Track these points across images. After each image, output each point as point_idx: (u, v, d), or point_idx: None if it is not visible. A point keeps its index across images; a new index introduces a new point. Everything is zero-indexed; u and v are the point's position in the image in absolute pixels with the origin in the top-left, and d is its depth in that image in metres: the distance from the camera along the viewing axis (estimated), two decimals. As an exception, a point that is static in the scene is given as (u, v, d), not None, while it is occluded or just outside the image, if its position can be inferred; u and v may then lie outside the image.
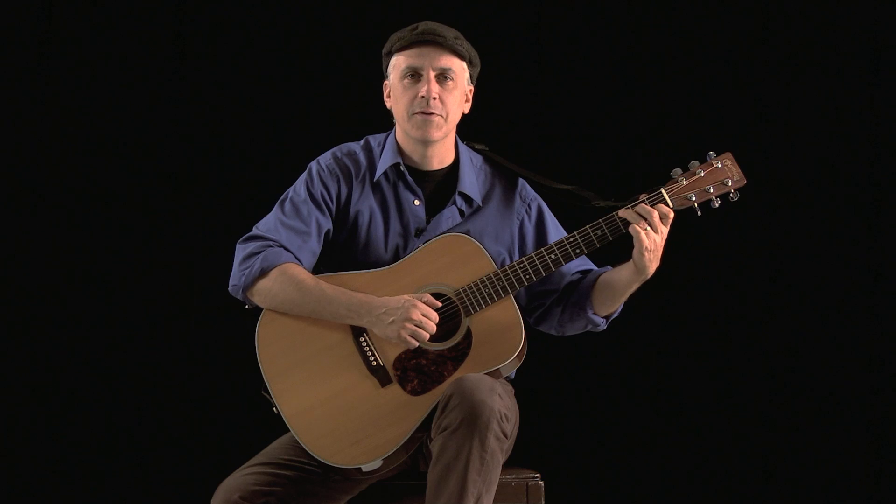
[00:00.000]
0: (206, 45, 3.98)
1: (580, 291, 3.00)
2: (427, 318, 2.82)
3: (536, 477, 2.97)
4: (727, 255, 4.04)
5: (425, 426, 2.81)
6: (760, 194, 3.89)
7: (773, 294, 4.04)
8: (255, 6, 3.98)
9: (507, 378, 3.00)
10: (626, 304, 3.01)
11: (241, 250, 2.94)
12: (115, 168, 3.98)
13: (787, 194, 4.00)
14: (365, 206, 2.99)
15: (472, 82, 3.01)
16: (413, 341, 2.81)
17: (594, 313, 2.99)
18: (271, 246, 2.92)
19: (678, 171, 2.87)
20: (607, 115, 4.03)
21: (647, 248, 2.81)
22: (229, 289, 2.96)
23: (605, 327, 3.04)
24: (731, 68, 4.01)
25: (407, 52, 2.94)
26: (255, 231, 2.97)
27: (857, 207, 4.01)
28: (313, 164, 3.03)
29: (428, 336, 2.82)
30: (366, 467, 2.82)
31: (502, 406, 2.71)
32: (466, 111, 3.03)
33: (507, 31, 4.02)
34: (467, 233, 2.96)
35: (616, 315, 3.04)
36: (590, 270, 3.04)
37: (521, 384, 3.04)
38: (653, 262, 2.84)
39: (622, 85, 4.03)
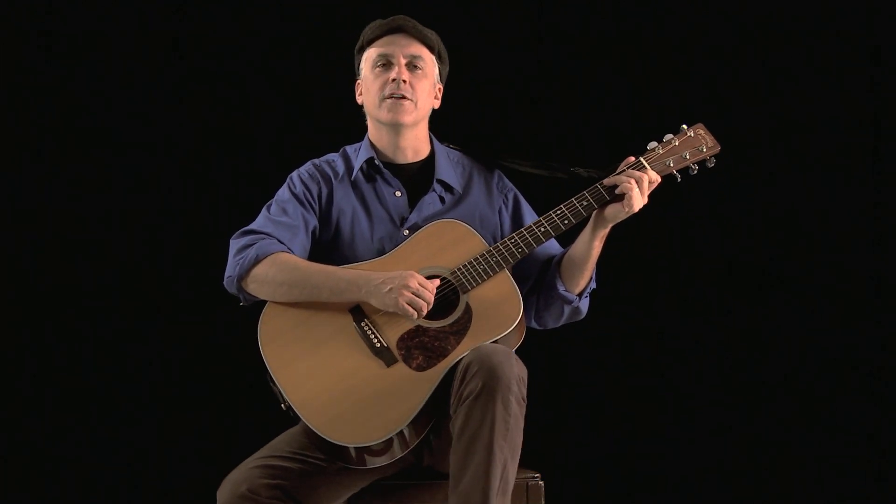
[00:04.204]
0: (201, 49, 4.00)
1: (549, 273, 3.02)
2: (424, 288, 2.83)
3: (536, 477, 2.95)
4: (726, 255, 4.03)
5: (433, 411, 2.81)
6: (757, 187, 3.98)
7: (772, 293, 4.03)
8: (246, 14, 4.01)
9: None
10: (628, 304, 2.95)
11: (235, 244, 3.00)
12: (114, 168, 4.01)
13: (784, 186, 4.02)
14: (347, 204, 3.05)
15: (441, 80, 3.10)
16: (411, 310, 2.83)
17: (565, 290, 2.99)
18: (265, 238, 2.98)
19: (654, 143, 2.97)
20: (590, 104, 4.06)
21: (634, 207, 2.86)
22: (224, 281, 3.00)
23: (579, 305, 3.03)
24: (717, 56, 4.03)
25: (377, 43, 3.05)
26: (247, 228, 3.04)
27: (857, 208, 4.01)
28: (293, 173, 3.11)
29: (426, 306, 2.84)
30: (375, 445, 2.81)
31: (520, 370, 2.71)
32: (437, 107, 3.10)
33: (497, 26, 4.05)
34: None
35: (589, 290, 3.04)
36: (555, 254, 3.06)
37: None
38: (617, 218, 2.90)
39: (606, 76, 4.05)
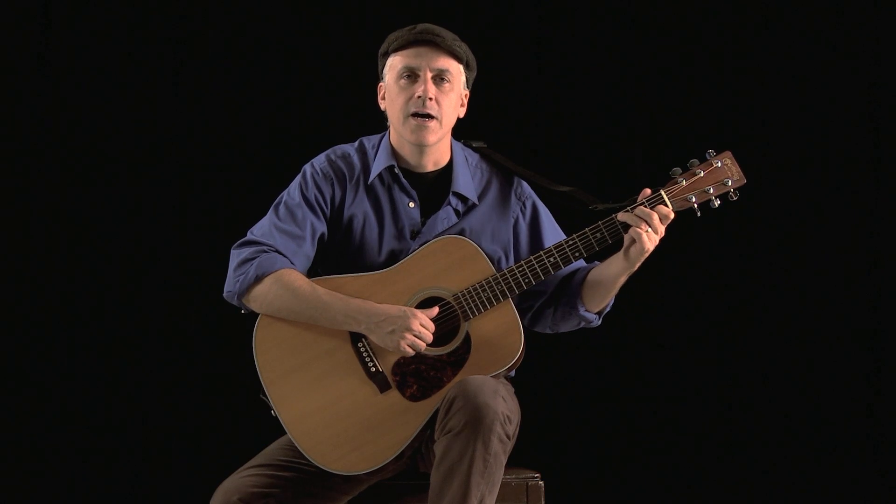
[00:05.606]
0: (203, 47, 3.97)
1: (570, 290, 2.99)
2: (425, 329, 2.82)
3: (536, 477, 2.96)
4: (726, 255, 4.03)
5: (425, 428, 2.81)
6: (760, 193, 3.86)
7: (772, 294, 4.03)
8: (251, 8, 3.98)
9: (506, 377, 2.98)
10: (628, 304, 3.00)
11: (236, 256, 2.93)
12: (114, 171, 3.99)
13: (787, 193, 3.99)
14: (359, 209, 2.97)
15: (468, 87, 3.00)
16: (411, 351, 2.82)
17: (586, 310, 2.98)
18: (266, 251, 2.91)
19: (678, 170, 2.85)
20: (607, 114, 4.02)
21: (646, 249, 2.81)
22: (224, 295, 2.95)
23: (598, 323, 3.04)
24: (730, 66, 4.00)
25: (404, 52, 2.93)
26: (249, 236, 2.96)
27: (857, 208, 4.00)
28: (307, 167, 3.01)
29: (425, 346, 2.83)
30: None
31: (505, 408, 2.70)
32: (462, 115, 3.02)
33: (507, 30, 4.01)
34: (463, 231, 2.95)
35: (608, 309, 3.03)
36: (577, 269, 3.02)
37: (521, 384, 3.03)
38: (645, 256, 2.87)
39: (621, 83, 4.02)
